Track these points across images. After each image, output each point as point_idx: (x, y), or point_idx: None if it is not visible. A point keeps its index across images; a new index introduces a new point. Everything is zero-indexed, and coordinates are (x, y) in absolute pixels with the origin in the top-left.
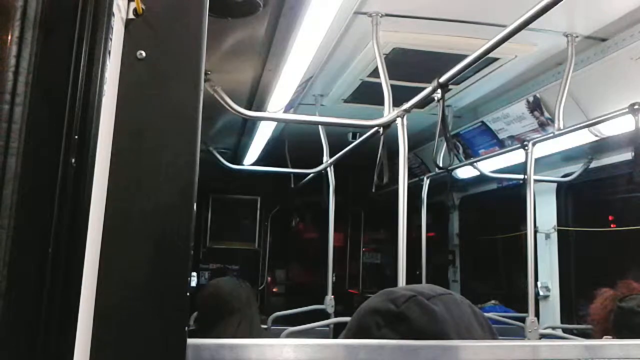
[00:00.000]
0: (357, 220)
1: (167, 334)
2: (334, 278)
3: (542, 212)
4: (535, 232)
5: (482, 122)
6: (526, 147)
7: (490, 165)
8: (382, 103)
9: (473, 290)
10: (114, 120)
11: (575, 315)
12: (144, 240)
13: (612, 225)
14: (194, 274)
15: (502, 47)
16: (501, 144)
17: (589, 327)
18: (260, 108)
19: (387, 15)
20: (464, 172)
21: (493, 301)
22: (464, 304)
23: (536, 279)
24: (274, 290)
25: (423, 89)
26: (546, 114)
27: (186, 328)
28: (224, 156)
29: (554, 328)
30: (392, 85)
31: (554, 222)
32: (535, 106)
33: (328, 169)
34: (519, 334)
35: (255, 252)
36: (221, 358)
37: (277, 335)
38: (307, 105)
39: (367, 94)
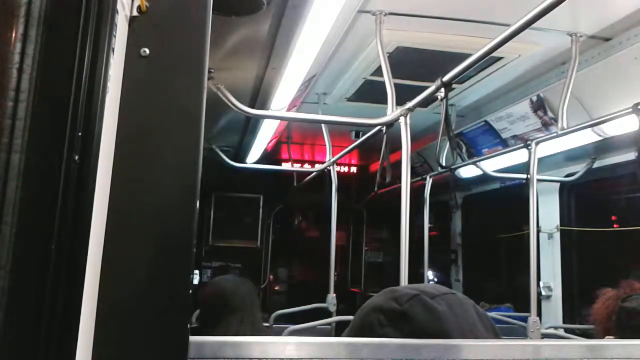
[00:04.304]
0: (360, 218)
1: (170, 331)
2: (336, 276)
3: (545, 212)
4: (538, 231)
5: (486, 121)
6: (529, 147)
7: (493, 164)
8: (385, 102)
9: (475, 289)
10: (117, 118)
11: (578, 315)
12: (146, 238)
13: (615, 225)
14: (196, 271)
15: (506, 46)
16: (504, 143)
17: (591, 327)
18: (264, 106)
19: (390, 13)
20: (467, 172)
21: (508, 304)
22: (467, 304)
23: (538, 279)
24: (276, 288)
25: (426, 87)
26: (550, 114)
27: (188, 326)
28: (227, 154)
29: (556, 328)
30: (395, 84)
31: (557, 221)
32: (539, 105)
33: (331, 167)
34: (521, 333)
35: (257, 250)
36: (223, 356)
37: (279, 333)
38: (310, 103)
39: (371, 92)
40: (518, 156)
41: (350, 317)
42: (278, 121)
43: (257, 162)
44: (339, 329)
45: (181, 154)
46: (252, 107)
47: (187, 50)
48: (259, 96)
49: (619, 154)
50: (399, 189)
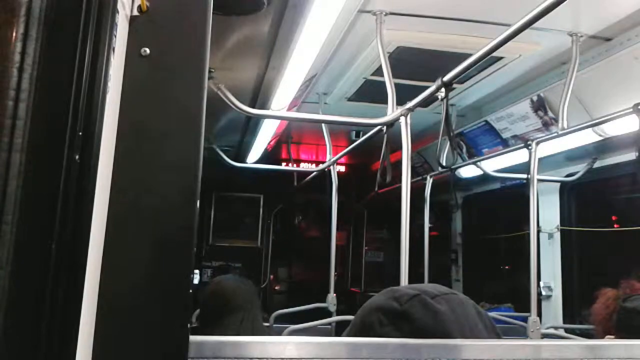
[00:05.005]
0: (360, 218)
1: (170, 331)
2: (336, 276)
3: (545, 212)
4: (538, 231)
5: (486, 121)
6: (530, 147)
7: (494, 164)
8: (385, 102)
9: (475, 289)
10: (117, 117)
11: (578, 315)
12: (147, 237)
13: (615, 225)
14: (197, 271)
15: (507, 46)
16: (505, 143)
17: (591, 327)
18: (264, 106)
19: (391, 13)
20: (468, 172)
21: (509, 304)
22: (468, 304)
23: (539, 279)
24: (276, 288)
25: (427, 87)
26: (550, 114)
27: (188, 325)
28: (227, 154)
29: (556, 328)
30: (395, 84)
31: (557, 221)
32: (539, 105)
33: (331, 167)
34: (521, 333)
35: (257, 250)
36: (223, 355)
37: (279, 333)
38: (311, 103)
39: (371, 92)
40: (518, 156)
41: (350, 317)
42: (278, 121)
43: (257, 162)
44: (339, 329)
45: (181, 153)
46: (253, 106)
47: (187, 49)
48: (259, 96)
49: (619, 154)
50: (399, 188)
